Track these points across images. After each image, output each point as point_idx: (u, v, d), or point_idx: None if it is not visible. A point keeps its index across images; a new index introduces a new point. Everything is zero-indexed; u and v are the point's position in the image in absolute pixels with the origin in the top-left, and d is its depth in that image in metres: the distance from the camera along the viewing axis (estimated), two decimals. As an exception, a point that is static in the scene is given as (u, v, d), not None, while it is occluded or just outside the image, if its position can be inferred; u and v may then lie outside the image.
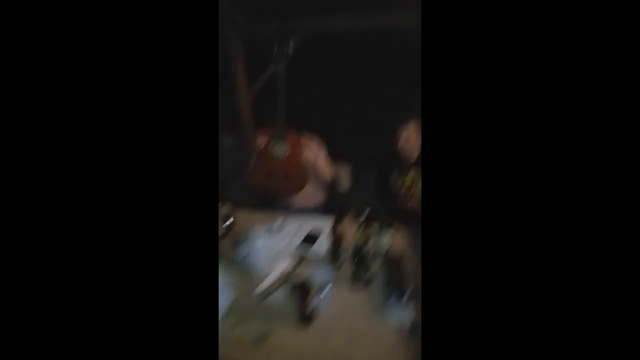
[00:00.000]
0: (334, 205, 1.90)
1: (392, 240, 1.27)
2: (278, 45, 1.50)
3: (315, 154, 1.73)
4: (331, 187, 1.61)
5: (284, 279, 1.15)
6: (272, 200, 1.79)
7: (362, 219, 1.26)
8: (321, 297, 1.06)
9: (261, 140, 1.75)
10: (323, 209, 1.83)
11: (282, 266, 1.21)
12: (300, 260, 0.94)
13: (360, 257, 1.10)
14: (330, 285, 1.10)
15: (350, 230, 1.28)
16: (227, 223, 1.34)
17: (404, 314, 1.00)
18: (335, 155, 1.84)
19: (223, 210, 1.37)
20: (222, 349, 0.67)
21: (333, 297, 1.08)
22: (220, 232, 1.34)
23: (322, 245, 1.36)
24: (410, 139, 1.55)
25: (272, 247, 1.26)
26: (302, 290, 0.94)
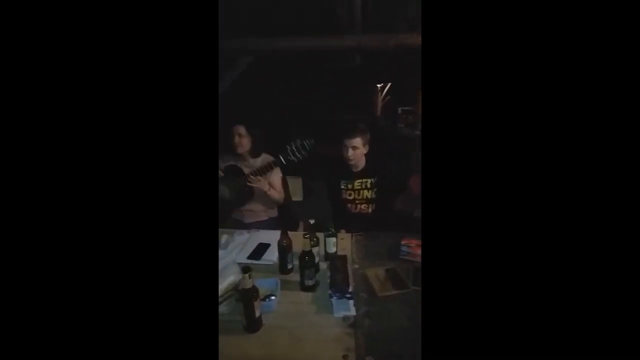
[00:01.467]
0: (284, 217, 1.96)
1: (337, 245, 1.35)
2: (295, 145, 1.60)
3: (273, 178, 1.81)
4: (283, 204, 1.69)
5: (231, 291, 1.17)
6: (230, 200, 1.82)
7: (309, 226, 1.33)
8: (269, 303, 1.10)
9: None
10: (272, 222, 1.88)
11: (231, 278, 1.23)
12: (245, 270, 0.97)
13: (307, 261, 1.16)
14: (277, 291, 1.15)
15: (299, 240, 1.34)
16: None
17: (346, 310, 1.06)
18: (287, 170, 1.92)
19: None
20: None
21: (281, 302, 1.12)
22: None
23: (272, 257, 1.40)
24: (357, 151, 1.68)
25: (221, 261, 1.28)
26: (248, 295, 0.97)
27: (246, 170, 1.82)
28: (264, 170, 1.69)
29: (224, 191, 1.80)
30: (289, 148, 1.62)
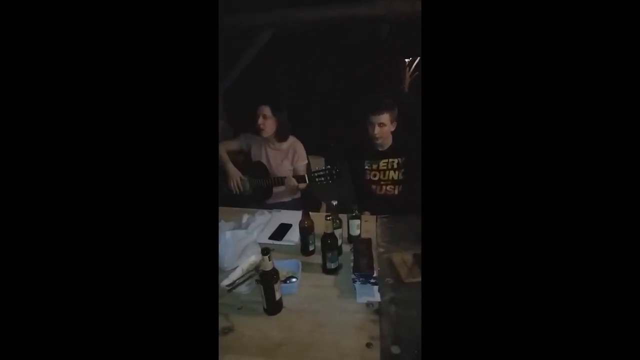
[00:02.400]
0: (310, 198, 1.91)
1: (361, 228, 1.29)
2: (328, 171, 1.54)
3: (300, 155, 1.75)
4: (308, 181, 1.63)
5: (253, 272, 1.15)
6: (238, 197, 1.79)
7: (331, 207, 1.27)
8: (289, 285, 1.06)
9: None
10: (295, 203, 1.84)
11: (252, 259, 1.20)
12: (265, 252, 0.93)
13: (329, 244, 1.11)
14: (299, 273, 1.11)
15: (321, 221, 1.29)
16: None
17: (370, 295, 1.01)
18: (309, 149, 1.85)
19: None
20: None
21: (302, 285, 1.08)
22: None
23: (293, 237, 1.36)
24: (384, 128, 1.57)
25: (240, 241, 1.25)
26: (268, 277, 0.94)
27: (272, 154, 1.77)
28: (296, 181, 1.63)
29: (246, 186, 1.77)
30: (317, 172, 1.55)
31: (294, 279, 1.09)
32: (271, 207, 1.72)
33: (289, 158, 1.77)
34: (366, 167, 1.72)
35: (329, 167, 1.55)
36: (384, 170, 1.69)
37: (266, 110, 1.69)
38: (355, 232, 1.27)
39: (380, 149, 1.67)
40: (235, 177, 1.75)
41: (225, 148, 1.81)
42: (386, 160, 1.67)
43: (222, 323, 0.95)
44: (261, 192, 1.79)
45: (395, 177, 1.68)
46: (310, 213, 1.24)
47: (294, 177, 1.63)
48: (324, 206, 1.96)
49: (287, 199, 1.84)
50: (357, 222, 1.26)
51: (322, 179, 1.55)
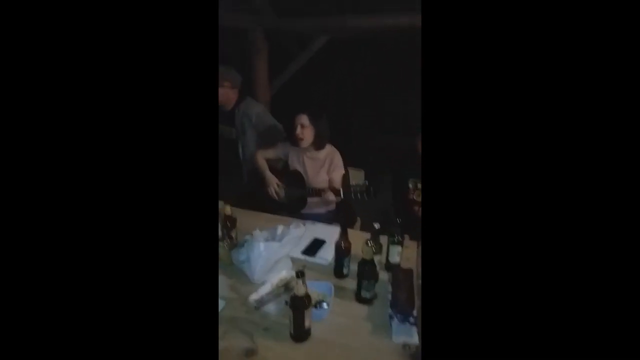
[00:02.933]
0: (344, 213, 1.83)
1: (401, 255, 1.18)
2: (365, 188, 1.46)
3: (336, 165, 1.69)
4: (343, 195, 1.55)
5: (282, 289, 1.09)
6: (283, 205, 1.76)
7: (372, 230, 1.18)
8: (320, 311, 0.99)
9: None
10: (332, 217, 1.77)
11: (280, 275, 1.15)
12: (299, 274, 0.87)
13: (366, 271, 1.02)
14: (330, 298, 1.03)
15: (358, 242, 1.21)
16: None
17: (408, 336, 0.91)
18: (349, 161, 1.78)
19: (224, 210, 1.33)
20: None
21: (333, 312, 1.01)
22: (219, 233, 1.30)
23: (327, 255, 1.28)
24: None
25: (273, 254, 1.20)
26: (299, 303, 0.87)
27: (309, 163, 1.72)
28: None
29: (283, 193, 1.73)
30: (354, 187, 1.47)
31: (325, 305, 1.01)
32: (305, 217, 1.66)
33: (326, 167, 1.71)
34: (410, 186, 1.61)
35: (366, 183, 1.46)
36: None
37: (304, 119, 1.64)
38: (396, 259, 1.16)
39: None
40: (273, 183, 1.73)
41: (263, 156, 1.79)
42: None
43: (245, 344, 0.90)
44: (296, 202, 1.74)
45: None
46: (347, 232, 1.16)
47: (329, 189, 1.56)
48: (359, 222, 1.87)
49: (321, 210, 1.78)
50: (399, 248, 1.16)
51: (359, 195, 1.46)
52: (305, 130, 1.63)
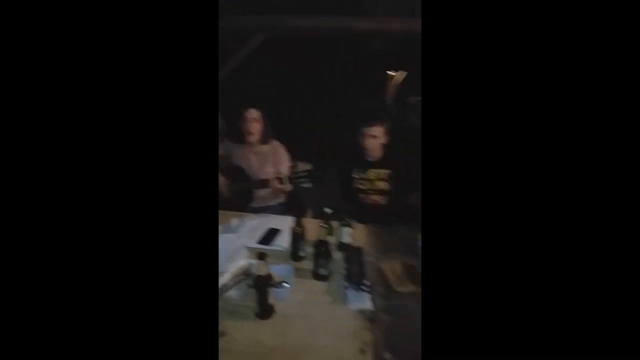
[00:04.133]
0: (296, 203, 1.91)
1: (351, 236, 1.31)
2: (309, 172, 1.52)
3: (280, 157, 1.74)
4: (293, 186, 1.63)
5: (244, 275, 1.13)
6: (230, 200, 1.76)
7: (323, 216, 1.28)
8: (282, 290, 1.06)
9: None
10: (283, 209, 1.84)
11: (241, 263, 1.18)
12: (260, 256, 0.93)
13: (321, 251, 1.11)
14: (290, 279, 1.10)
15: (311, 228, 1.30)
16: None
17: (362, 303, 1.03)
18: (297, 154, 1.86)
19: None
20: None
21: (293, 290, 1.08)
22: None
23: (282, 242, 1.35)
24: (376, 140, 1.62)
25: (230, 245, 1.23)
26: (262, 282, 0.93)
27: (253, 158, 1.75)
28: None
29: (221, 192, 1.73)
30: (299, 173, 1.55)
31: (285, 284, 1.08)
32: (256, 211, 1.70)
33: (271, 161, 1.76)
34: (354, 176, 1.75)
35: (311, 169, 1.54)
36: (372, 180, 1.73)
37: (254, 113, 1.68)
38: (347, 239, 1.28)
39: (370, 160, 1.71)
40: (219, 181, 1.72)
41: None
42: (375, 171, 1.71)
43: (212, 327, 0.93)
44: (241, 197, 1.76)
45: (384, 188, 1.73)
46: (301, 220, 1.24)
47: (275, 179, 1.61)
48: (310, 212, 1.96)
49: (271, 202, 1.83)
50: (349, 230, 1.28)
51: (303, 180, 1.54)
52: (255, 124, 1.67)
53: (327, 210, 1.28)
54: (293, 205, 1.89)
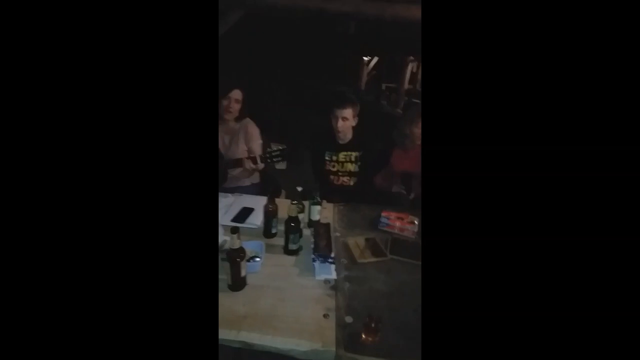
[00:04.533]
0: (268, 183, 1.97)
1: (320, 214, 1.39)
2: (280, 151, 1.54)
3: (252, 135, 1.77)
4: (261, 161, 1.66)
5: (218, 249, 1.19)
6: None
7: (295, 193, 1.35)
8: (254, 264, 1.13)
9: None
10: (257, 189, 1.88)
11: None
12: (233, 230, 0.99)
13: (292, 227, 1.19)
14: (262, 253, 1.18)
15: (284, 207, 1.37)
16: None
17: (327, 274, 1.13)
18: (271, 136, 1.90)
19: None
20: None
21: (264, 264, 1.16)
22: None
23: (256, 219, 1.42)
24: (346, 122, 1.68)
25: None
26: (235, 254, 1.00)
27: (224, 137, 1.77)
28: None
29: None
30: (271, 151, 1.57)
31: (257, 259, 1.16)
32: (231, 191, 1.74)
33: (242, 138, 1.78)
34: (326, 158, 1.82)
35: (282, 147, 1.57)
36: (343, 162, 1.81)
37: (237, 94, 1.70)
38: (316, 217, 1.37)
39: (340, 142, 1.78)
40: None
41: None
42: (345, 153, 1.79)
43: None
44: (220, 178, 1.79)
45: (352, 170, 1.82)
46: (274, 199, 1.31)
47: (247, 158, 1.64)
48: (283, 193, 2.02)
49: (246, 183, 1.87)
50: (318, 208, 1.37)
51: (276, 158, 1.58)
52: (236, 104, 1.69)
53: (299, 188, 1.35)
54: (267, 186, 1.95)
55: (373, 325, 0.87)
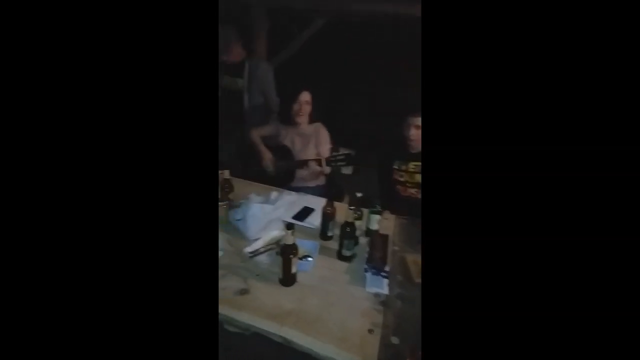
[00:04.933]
0: (332, 187, 1.98)
1: (380, 224, 1.34)
2: (345, 156, 1.59)
3: (322, 138, 1.81)
4: (331, 169, 1.68)
5: (274, 245, 1.23)
6: (273, 176, 1.89)
7: (355, 199, 1.32)
8: (306, 263, 1.14)
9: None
10: (321, 191, 1.91)
11: (274, 233, 1.29)
12: (288, 226, 1.01)
13: (347, 232, 1.17)
14: (315, 254, 1.18)
15: (343, 212, 1.35)
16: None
17: (379, 287, 1.07)
18: (341, 141, 1.91)
19: (223, 174, 1.46)
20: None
21: (317, 266, 1.16)
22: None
23: (315, 220, 1.43)
24: (419, 130, 1.59)
25: (267, 215, 1.34)
26: (288, 250, 1.02)
27: (297, 139, 1.84)
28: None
29: (268, 166, 1.84)
30: (335, 156, 1.59)
31: (310, 258, 1.16)
32: (296, 190, 1.80)
33: (313, 142, 1.84)
34: (394, 167, 1.75)
35: (348, 152, 1.58)
36: (412, 173, 1.71)
37: (307, 96, 1.77)
38: (374, 226, 1.32)
39: (412, 151, 1.69)
40: (266, 157, 1.85)
41: (258, 133, 1.93)
42: (416, 163, 1.69)
43: (240, 285, 1.05)
44: (284, 174, 1.86)
45: (421, 182, 1.70)
46: (334, 202, 1.30)
47: (314, 160, 1.68)
48: (346, 198, 2.01)
49: (311, 184, 1.91)
50: (377, 217, 1.31)
51: (341, 163, 1.59)
52: (306, 107, 1.76)
53: (358, 194, 1.32)
54: (331, 190, 1.96)
55: (421, 353, 0.79)
